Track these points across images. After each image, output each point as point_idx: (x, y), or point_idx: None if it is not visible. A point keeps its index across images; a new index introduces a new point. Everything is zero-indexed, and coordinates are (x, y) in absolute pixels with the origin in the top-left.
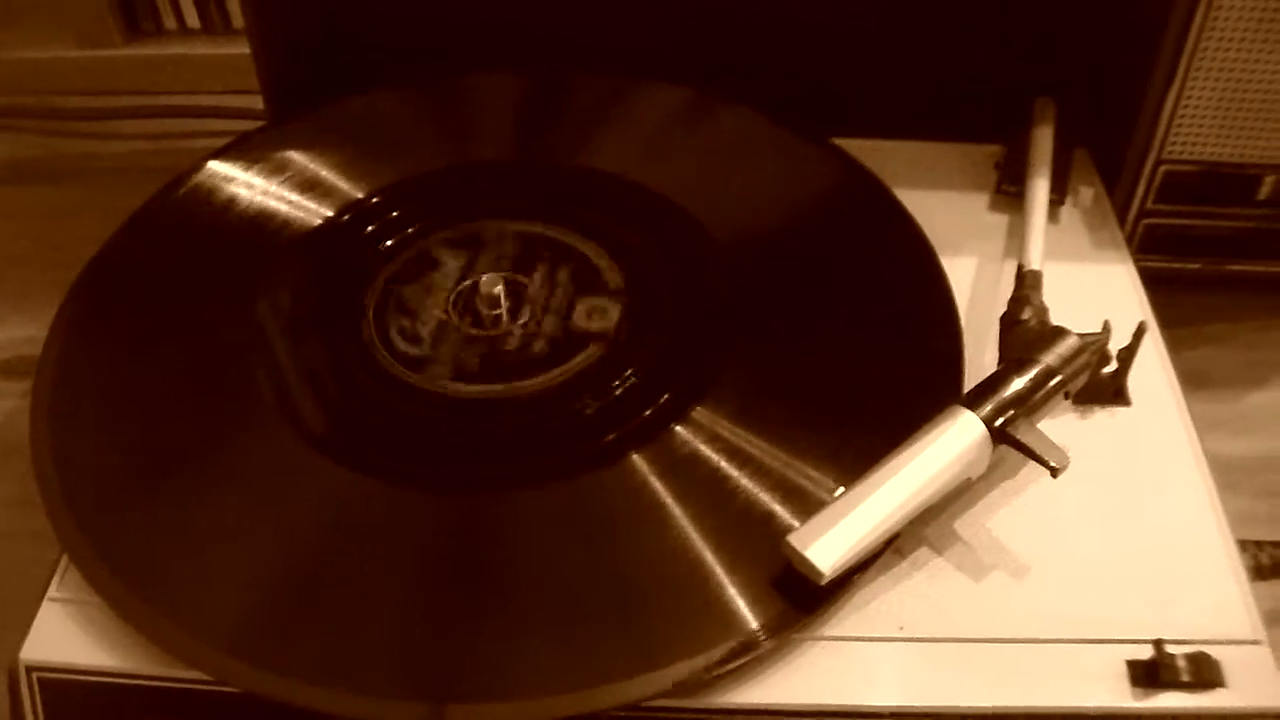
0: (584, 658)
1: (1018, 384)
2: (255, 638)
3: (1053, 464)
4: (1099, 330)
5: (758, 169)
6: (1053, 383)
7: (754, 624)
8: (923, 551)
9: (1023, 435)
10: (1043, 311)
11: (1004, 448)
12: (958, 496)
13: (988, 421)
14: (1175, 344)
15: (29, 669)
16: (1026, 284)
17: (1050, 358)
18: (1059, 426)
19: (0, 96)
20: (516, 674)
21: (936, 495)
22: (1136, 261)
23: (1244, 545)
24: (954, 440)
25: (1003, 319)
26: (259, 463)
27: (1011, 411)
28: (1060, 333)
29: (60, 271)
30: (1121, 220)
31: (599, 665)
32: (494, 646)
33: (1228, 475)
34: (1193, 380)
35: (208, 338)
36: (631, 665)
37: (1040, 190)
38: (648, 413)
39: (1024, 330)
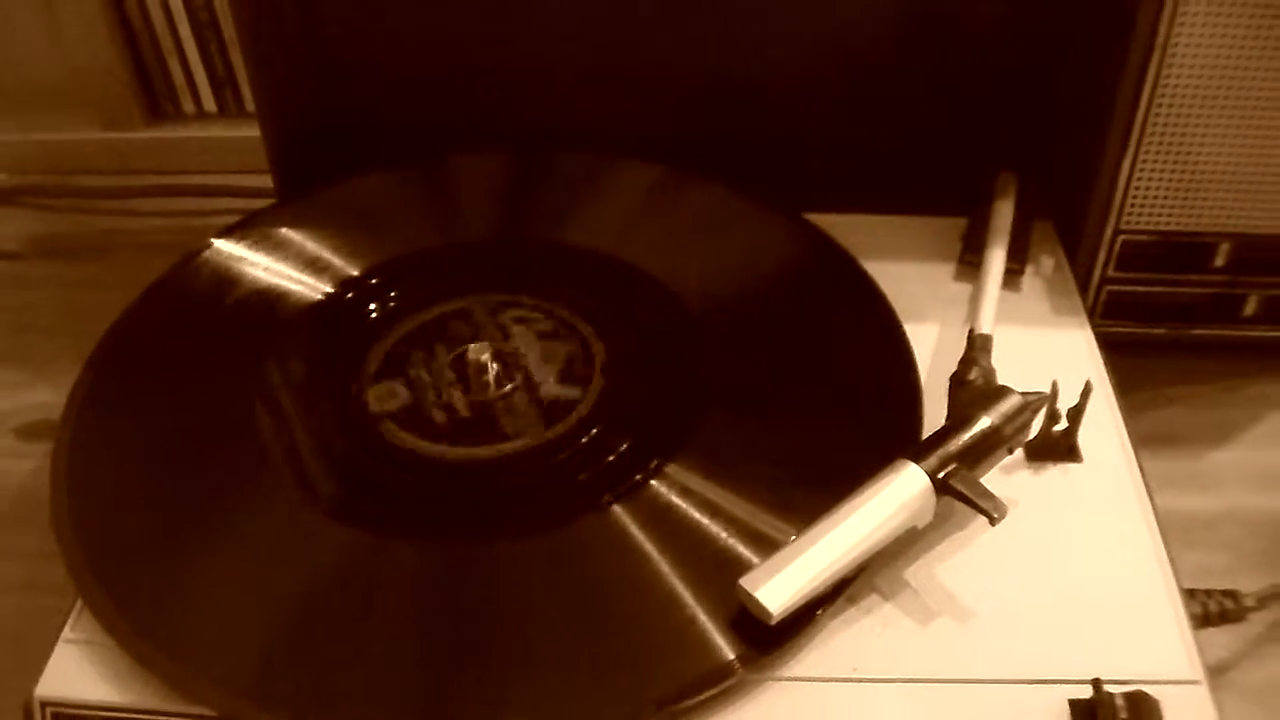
0: (551, 699)
1: (960, 439)
2: (257, 677)
3: (992, 514)
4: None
5: (732, 243)
6: (994, 438)
7: (708, 665)
8: (875, 598)
9: (964, 486)
10: (989, 372)
11: (953, 501)
12: (909, 545)
13: (931, 473)
14: (1143, 405)
15: (43, 704)
16: (976, 346)
17: (993, 415)
18: (1013, 482)
19: (29, 176)
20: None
21: (882, 542)
22: (1102, 328)
23: (1192, 593)
24: (898, 490)
25: (952, 379)
26: (260, 518)
27: (954, 465)
28: (1003, 391)
29: (82, 340)
30: (1084, 288)
31: (565, 705)
32: (486, 689)
33: (1189, 531)
34: (1159, 440)
35: (214, 404)
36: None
37: (996, 260)
38: (612, 462)
39: (970, 389)
